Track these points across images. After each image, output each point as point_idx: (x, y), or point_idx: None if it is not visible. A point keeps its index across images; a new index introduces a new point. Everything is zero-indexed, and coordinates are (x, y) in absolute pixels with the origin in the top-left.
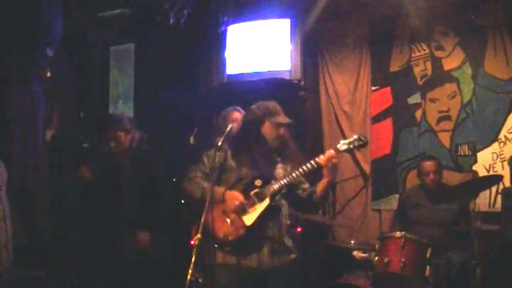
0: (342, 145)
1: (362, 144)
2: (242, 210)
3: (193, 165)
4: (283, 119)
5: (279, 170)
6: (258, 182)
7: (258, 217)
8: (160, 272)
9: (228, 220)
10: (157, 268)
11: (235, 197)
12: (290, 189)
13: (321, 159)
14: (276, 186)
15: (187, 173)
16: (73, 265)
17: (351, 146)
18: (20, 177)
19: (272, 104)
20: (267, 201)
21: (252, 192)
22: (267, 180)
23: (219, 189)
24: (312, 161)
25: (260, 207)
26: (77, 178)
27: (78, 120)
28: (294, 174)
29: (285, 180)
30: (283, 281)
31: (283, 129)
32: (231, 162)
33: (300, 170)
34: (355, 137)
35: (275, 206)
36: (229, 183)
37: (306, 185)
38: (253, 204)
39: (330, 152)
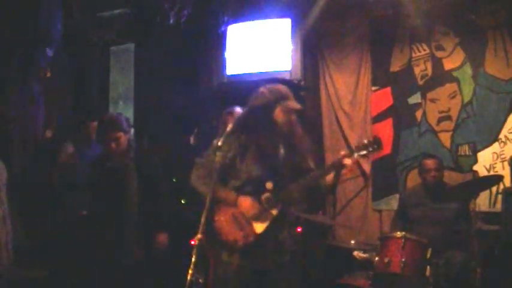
0: (361, 151)
1: (377, 148)
2: (254, 217)
3: (199, 160)
4: (295, 104)
5: (287, 161)
6: (269, 185)
7: (268, 225)
8: (160, 272)
9: (239, 227)
10: (157, 268)
11: (249, 206)
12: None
13: (347, 161)
14: (286, 195)
15: (195, 168)
16: (73, 265)
17: (369, 150)
18: (20, 178)
19: (283, 88)
20: (276, 210)
21: (263, 197)
22: (278, 181)
23: (231, 194)
24: (335, 164)
25: (271, 214)
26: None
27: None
28: (309, 178)
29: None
30: (284, 279)
31: (294, 115)
32: (240, 158)
33: (318, 173)
34: (366, 141)
35: (284, 213)
36: (238, 182)
37: (324, 183)
38: (264, 211)
39: (356, 157)
